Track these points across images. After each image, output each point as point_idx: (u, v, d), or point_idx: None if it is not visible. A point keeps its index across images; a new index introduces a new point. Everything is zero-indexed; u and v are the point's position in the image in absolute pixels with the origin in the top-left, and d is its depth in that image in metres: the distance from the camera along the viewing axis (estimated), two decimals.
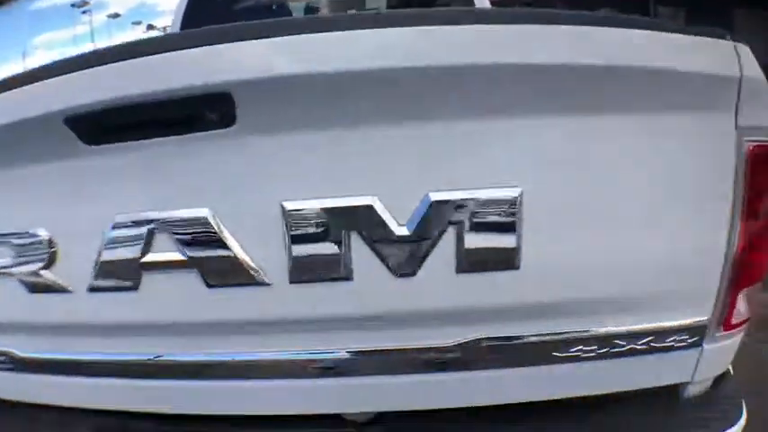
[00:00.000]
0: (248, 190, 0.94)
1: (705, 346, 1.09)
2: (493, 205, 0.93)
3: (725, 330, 1.10)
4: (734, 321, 1.10)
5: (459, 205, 0.92)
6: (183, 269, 0.97)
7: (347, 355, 1.00)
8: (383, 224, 0.92)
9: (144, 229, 0.96)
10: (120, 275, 0.98)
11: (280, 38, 0.87)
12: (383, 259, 0.94)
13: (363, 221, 0.92)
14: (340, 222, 0.93)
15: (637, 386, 1.11)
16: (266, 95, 0.88)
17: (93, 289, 0.99)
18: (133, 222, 0.96)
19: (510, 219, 0.93)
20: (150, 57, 0.88)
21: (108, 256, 0.97)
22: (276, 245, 0.94)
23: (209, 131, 0.90)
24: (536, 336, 1.01)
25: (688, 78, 0.94)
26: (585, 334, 1.02)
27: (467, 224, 0.93)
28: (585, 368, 1.04)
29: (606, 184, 0.96)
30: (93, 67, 0.91)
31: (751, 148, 0.99)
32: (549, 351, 1.02)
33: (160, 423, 1.08)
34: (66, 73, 0.92)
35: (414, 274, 0.95)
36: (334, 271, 0.95)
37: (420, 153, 0.92)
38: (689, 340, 1.06)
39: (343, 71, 0.87)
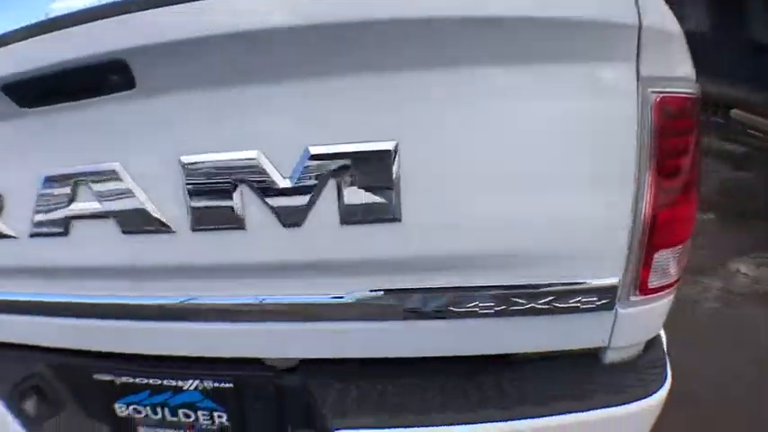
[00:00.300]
0: (151, 145, 0.94)
1: (620, 310, 0.97)
2: (370, 158, 0.87)
3: (642, 294, 0.97)
4: (652, 285, 0.97)
5: (337, 158, 0.87)
6: (103, 217, 0.98)
7: (246, 303, 0.98)
8: (268, 176, 0.89)
9: (70, 182, 0.98)
10: (53, 223, 1.01)
11: (162, 8, 0.85)
12: (271, 210, 0.91)
13: (250, 174, 0.90)
14: (229, 175, 0.91)
15: (544, 348, 1.01)
16: (157, 60, 0.87)
17: (33, 235, 1.02)
18: (61, 176, 0.98)
19: (387, 171, 0.87)
20: (63, 30, 0.89)
21: (42, 205, 1.00)
22: (177, 195, 0.93)
23: (116, 94, 0.91)
24: (428, 289, 0.93)
25: (581, 27, 0.83)
26: (480, 290, 0.93)
27: (347, 177, 0.88)
28: (485, 325, 0.96)
29: (492, 138, 0.87)
30: (24, 40, 0.92)
31: (657, 99, 0.86)
32: (445, 305, 0.94)
33: (106, 361, 1.10)
34: (2, 46, 0.94)
35: (300, 225, 0.91)
36: (228, 220, 0.93)
37: (300, 108, 0.88)
38: (597, 302, 0.95)
39: (222, 34, 0.84)
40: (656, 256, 0.95)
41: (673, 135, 0.90)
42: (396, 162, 0.86)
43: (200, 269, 0.98)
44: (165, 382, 1.09)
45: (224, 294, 0.99)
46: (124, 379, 1.10)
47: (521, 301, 0.94)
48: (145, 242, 0.97)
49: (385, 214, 0.89)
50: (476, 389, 1.01)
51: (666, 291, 1.01)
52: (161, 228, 0.96)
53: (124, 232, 0.98)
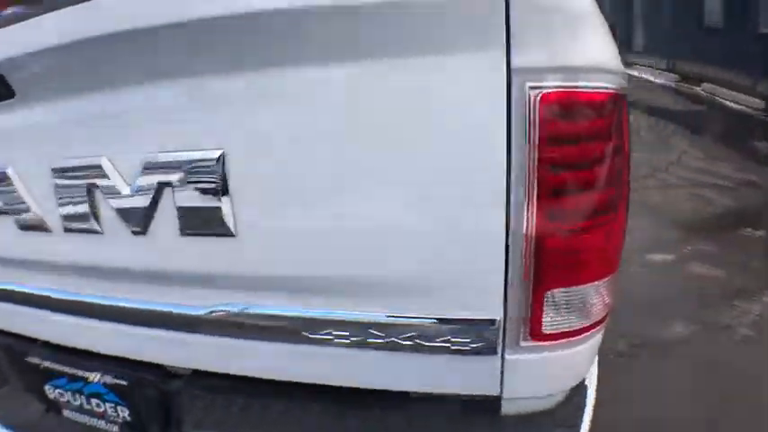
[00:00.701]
0: (32, 151, 0.83)
1: (508, 356, 0.68)
2: (196, 168, 0.69)
3: (535, 340, 0.67)
4: (549, 331, 0.67)
5: (169, 167, 0.71)
6: (5, 214, 0.88)
7: (113, 305, 0.84)
8: (113, 183, 0.75)
9: None
10: None
11: (24, 22, 0.72)
12: (119, 217, 0.76)
13: (99, 180, 0.75)
14: (84, 180, 0.77)
15: (423, 389, 0.75)
16: (27, 70, 0.77)
17: None
18: None
19: (214, 182, 0.67)
20: None
21: None
22: (51, 198, 0.81)
23: (1, 102, 0.80)
24: (275, 310, 0.72)
25: (421, 8, 0.56)
26: (330, 316, 0.70)
27: (180, 187, 0.70)
28: (343, 355, 0.72)
29: (331, 147, 0.63)
30: None
31: (538, 96, 0.57)
32: (297, 329, 0.72)
33: (33, 345, 1.02)
34: None
35: (145, 233, 0.74)
36: (88, 224, 0.79)
37: (140, 116, 0.72)
38: (473, 345, 0.67)
39: (69, 43, 0.70)
40: (548, 295, 0.65)
41: (568, 142, 0.60)
42: (222, 173, 0.66)
43: (75, 268, 0.85)
44: (78, 373, 0.99)
45: (96, 294, 0.86)
46: (47, 364, 1.02)
47: (377, 333, 0.69)
48: (35, 239, 0.87)
49: (218, 228, 0.69)
50: (344, 422, 0.78)
51: (577, 338, 0.70)
52: (43, 227, 0.85)
53: (21, 228, 0.88)
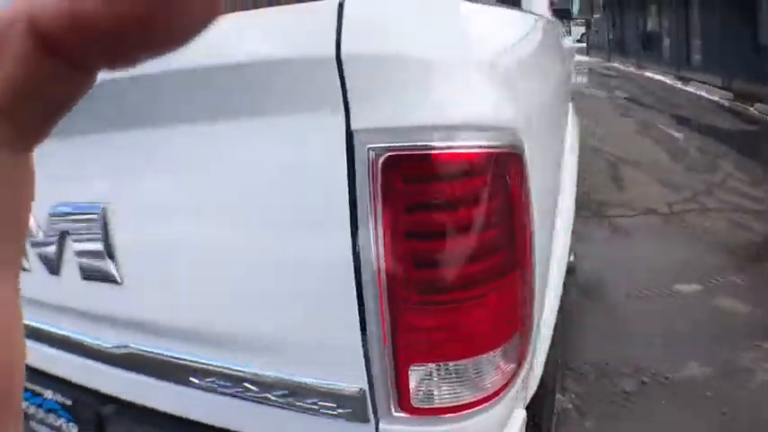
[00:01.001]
0: None
1: (382, 425, 0.60)
2: (83, 220, 0.68)
3: (407, 413, 0.59)
4: (421, 405, 0.58)
5: (65, 216, 0.71)
6: None
7: (51, 331, 0.85)
8: (31, 228, 0.74)
9: None
10: None
11: None
12: (39, 258, 0.77)
13: None
14: None
15: None
16: None
17: None
18: None
19: (99, 234, 0.67)
20: None
21: None
22: None
23: None
24: (165, 355, 0.70)
25: (257, 69, 0.51)
26: (209, 366, 0.66)
27: (75, 236, 0.71)
28: (225, 403, 0.68)
29: (194, 207, 0.60)
30: None
31: (381, 159, 0.50)
32: (186, 374, 0.69)
33: None
34: None
35: (59, 274, 0.75)
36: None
37: (50, 165, 0.71)
38: (339, 410, 0.60)
39: None
40: (414, 369, 0.56)
41: (418, 209, 0.52)
42: (105, 225, 0.66)
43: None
44: (37, 388, 1.01)
45: (36, 321, 0.87)
46: None
47: (253, 387, 0.64)
48: None
49: (106, 275, 0.68)
50: None
51: (468, 411, 0.60)
52: None
53: None
